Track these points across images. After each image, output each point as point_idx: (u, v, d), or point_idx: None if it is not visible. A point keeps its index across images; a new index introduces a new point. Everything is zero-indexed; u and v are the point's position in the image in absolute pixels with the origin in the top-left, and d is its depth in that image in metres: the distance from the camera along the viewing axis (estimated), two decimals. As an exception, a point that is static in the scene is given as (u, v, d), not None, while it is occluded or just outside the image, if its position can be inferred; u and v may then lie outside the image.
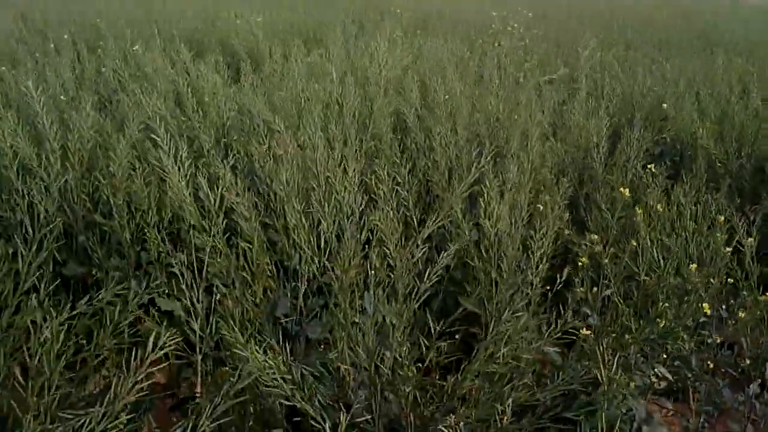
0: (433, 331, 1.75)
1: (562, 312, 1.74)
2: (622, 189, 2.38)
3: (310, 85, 3.62)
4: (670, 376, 1.87)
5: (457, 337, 2.31)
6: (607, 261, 2.06)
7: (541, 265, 2.18)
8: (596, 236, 2.19)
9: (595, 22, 9.71)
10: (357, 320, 1.60)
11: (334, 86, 3.50)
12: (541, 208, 2.38)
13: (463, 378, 1.60)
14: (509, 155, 2.91)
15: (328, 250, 2.12)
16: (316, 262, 2.09)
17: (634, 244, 2.12)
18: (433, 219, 1.89)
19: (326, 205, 2.12)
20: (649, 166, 2.68)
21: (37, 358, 1.48)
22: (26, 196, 2.46)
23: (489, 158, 2.46)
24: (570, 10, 11.76)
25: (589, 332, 1.79)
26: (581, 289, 1.99)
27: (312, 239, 2.11)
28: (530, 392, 1.58)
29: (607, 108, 3.68)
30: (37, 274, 1.89)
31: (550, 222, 2.34)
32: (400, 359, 1.63)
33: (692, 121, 3.46)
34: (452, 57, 5.04)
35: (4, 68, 4.37)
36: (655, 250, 2.04)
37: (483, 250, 2.21)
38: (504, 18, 8.45)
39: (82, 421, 1.37)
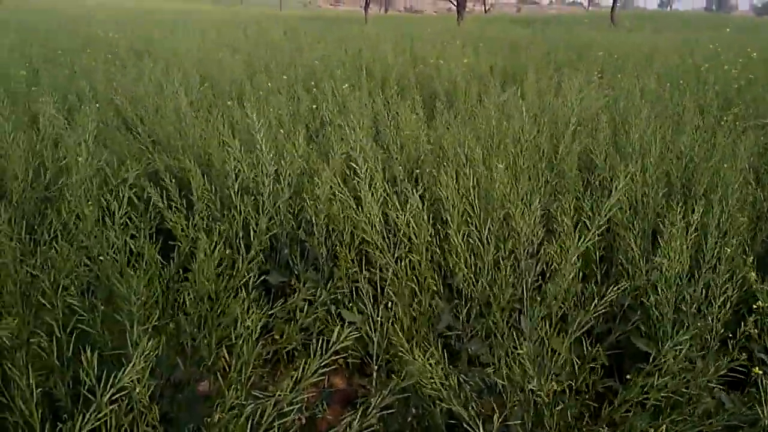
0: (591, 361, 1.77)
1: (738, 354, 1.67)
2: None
3: (500, 122, 3.75)
4: None
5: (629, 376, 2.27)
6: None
7: (723, 310, 2.10)
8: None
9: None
10: (515, 342, 1.67)
11: (523, 124, 3.60)
12: (728, 251, 2.27)
13: (618, 406, 1.60)
14: (699, 197, 2.80)
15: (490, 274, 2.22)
16: (479, 283, 2.20)
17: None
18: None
19: (486, 231, 2.23)
20: None
21: (240, 344, 1.75)
22: (242, 212, 2.83)
23: (677, 198, 2.41)
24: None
25: (761, 372, 1.69)
26: (755, 330, 1.88)
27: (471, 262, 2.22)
28: (689, 425, 1.54)
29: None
30: (247, 278, 2.21)
31: (736, 267, 2.24)
32: (558, 384, 1.67)
33: None
34: (648, 97, 4.89)
35: (230, 103, 5.04)
36: None
37: (659, 291, 2.17)
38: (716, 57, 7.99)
39: (272, 400, 1.59)
